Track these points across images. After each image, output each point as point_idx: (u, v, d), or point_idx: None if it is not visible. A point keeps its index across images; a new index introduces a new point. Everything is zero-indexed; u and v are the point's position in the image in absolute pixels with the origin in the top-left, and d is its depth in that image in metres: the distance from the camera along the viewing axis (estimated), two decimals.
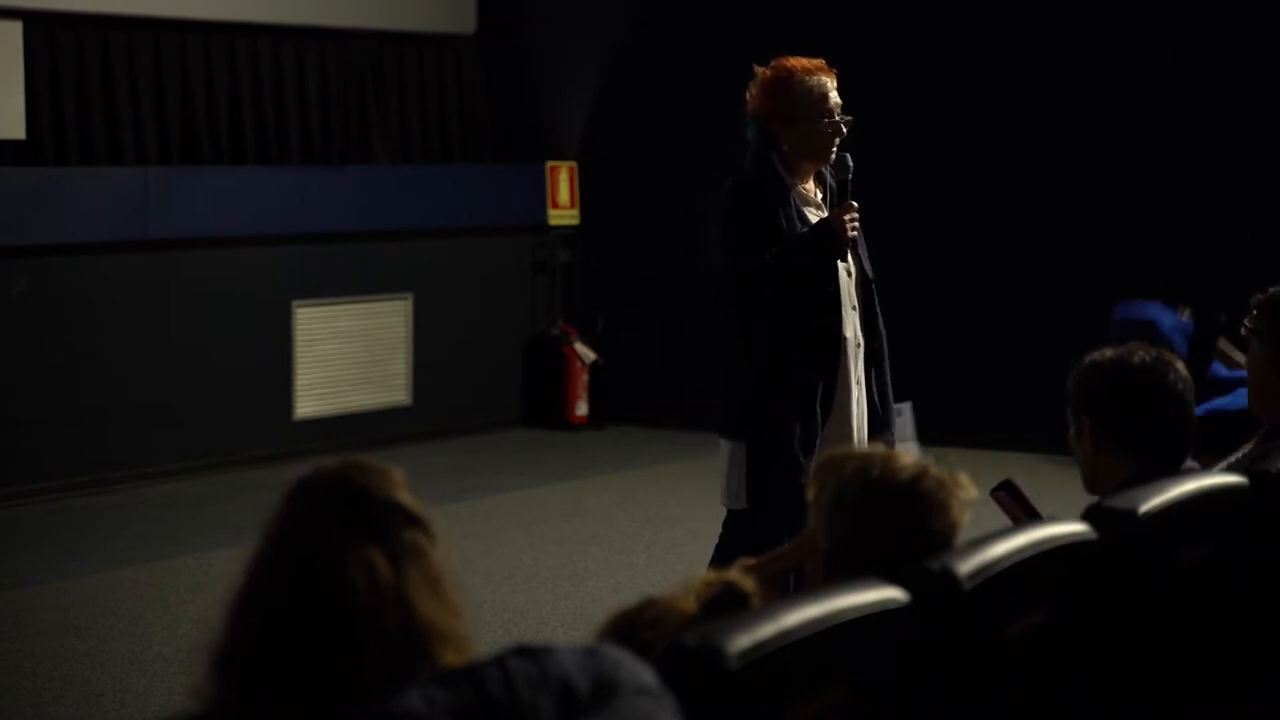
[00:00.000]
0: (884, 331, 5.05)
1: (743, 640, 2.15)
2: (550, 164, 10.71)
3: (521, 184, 10.62)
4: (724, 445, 4.92)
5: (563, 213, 10.75)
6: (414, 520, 2.13)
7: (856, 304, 4.96)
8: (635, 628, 2.26)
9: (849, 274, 4.94)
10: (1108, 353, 3.45)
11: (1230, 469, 3.64)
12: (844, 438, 4.92)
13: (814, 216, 4.92)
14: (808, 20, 9.99)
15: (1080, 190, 9.39)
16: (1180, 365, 3.42)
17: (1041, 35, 9.48)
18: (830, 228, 4.83)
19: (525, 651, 1.83)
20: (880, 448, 2.77)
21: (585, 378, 10.52)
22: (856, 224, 4.86)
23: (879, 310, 5.02)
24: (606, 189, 10.72)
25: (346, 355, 9.81)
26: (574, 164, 10.79)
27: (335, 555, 2.04)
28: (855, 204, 4.88)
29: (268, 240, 9.40)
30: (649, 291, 10.68)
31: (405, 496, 2.15)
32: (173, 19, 9.39)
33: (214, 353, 9.14)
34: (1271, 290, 3.84)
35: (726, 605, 2.34)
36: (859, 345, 4.96)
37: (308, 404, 9.61)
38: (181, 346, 9.02)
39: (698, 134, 10.40)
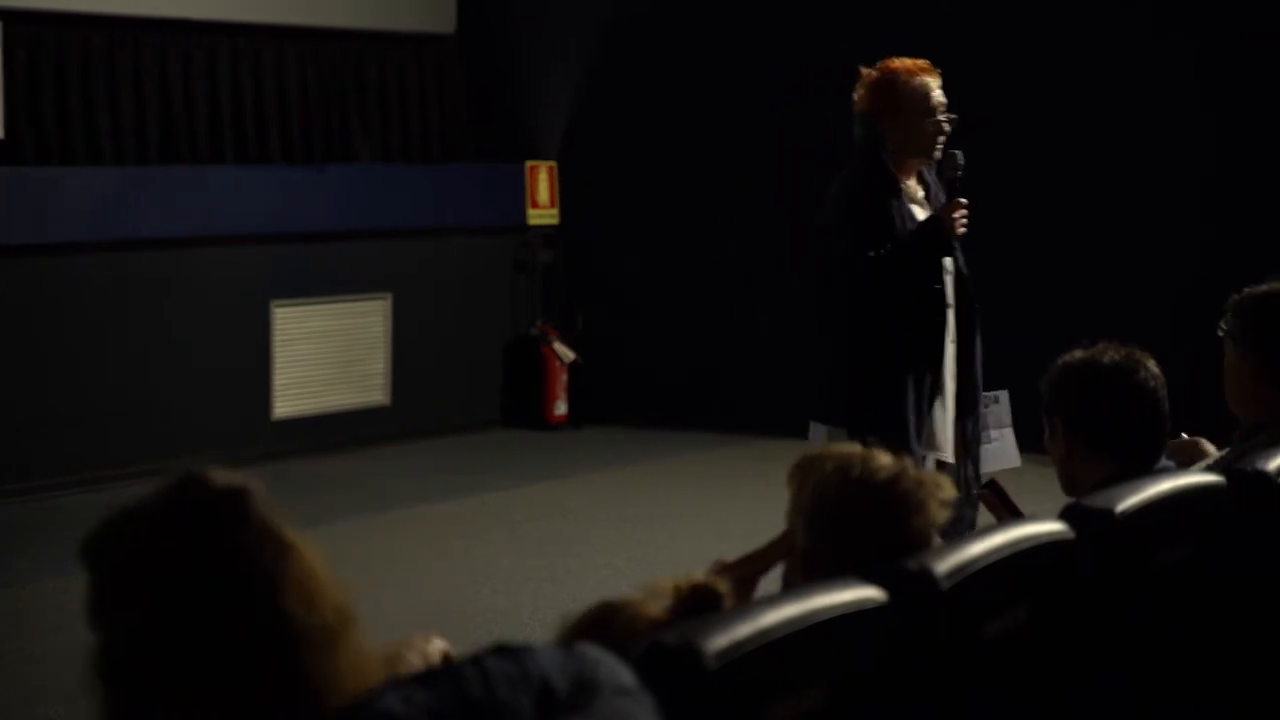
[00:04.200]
0: (979, 326, 5.23)
1: (721, 640, 2.15)
2: (530, 164, 10.71)
3: (501, 184, 10.61)
4: (820, 430, 5.07)
5: (542, 212, 10.75)
6: (268, 533, 1.96)
7: (953, 301, 5.15)
8: (604, 635, 2.23)
9: (948, 271, 5.12)
10: (1078, 353, 3.47)
11: (1208, 469, 3.65)
12: (941, 429, 5.11)
13: (919, 212, 5.10)
14: (790, 23, 9.99)
15: (1074, 194, 9.36)
16: (1152, 363, 3.44)
17: (1048, 45, 9.46)
18: (940, 224, 5.01)
19: (504, 651, 1.83)
20: (857, 447, 2.77)
21: (565, 377, 10.52)
22: (966, 221, 5.04)
23: (976, 306, 5.20)
24: (586, 189, 10.72)
25: (325, 355, 9.80)
26: (554, 164, 10.78)
27: (247, 556, 1.90)
28: (965, 201, 5.05)
29: (246, 240, 9.39)
30: (629, 291, 10.68)
31: (255, 511, 1.96)
32: (152, 18, 9.38)
33: (192, 353, 9.12)
34: (1246, 291, 3.86)
35: (700, 608, 2.33)
36: (953, 341, 5.15)
37: (286, 404, 9.60)
38: (159, 346, 9.00)
39: (677, 134, 10.41)
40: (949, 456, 5.14)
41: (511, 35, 10.90)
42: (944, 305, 5.09)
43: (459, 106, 10.96)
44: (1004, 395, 5.30)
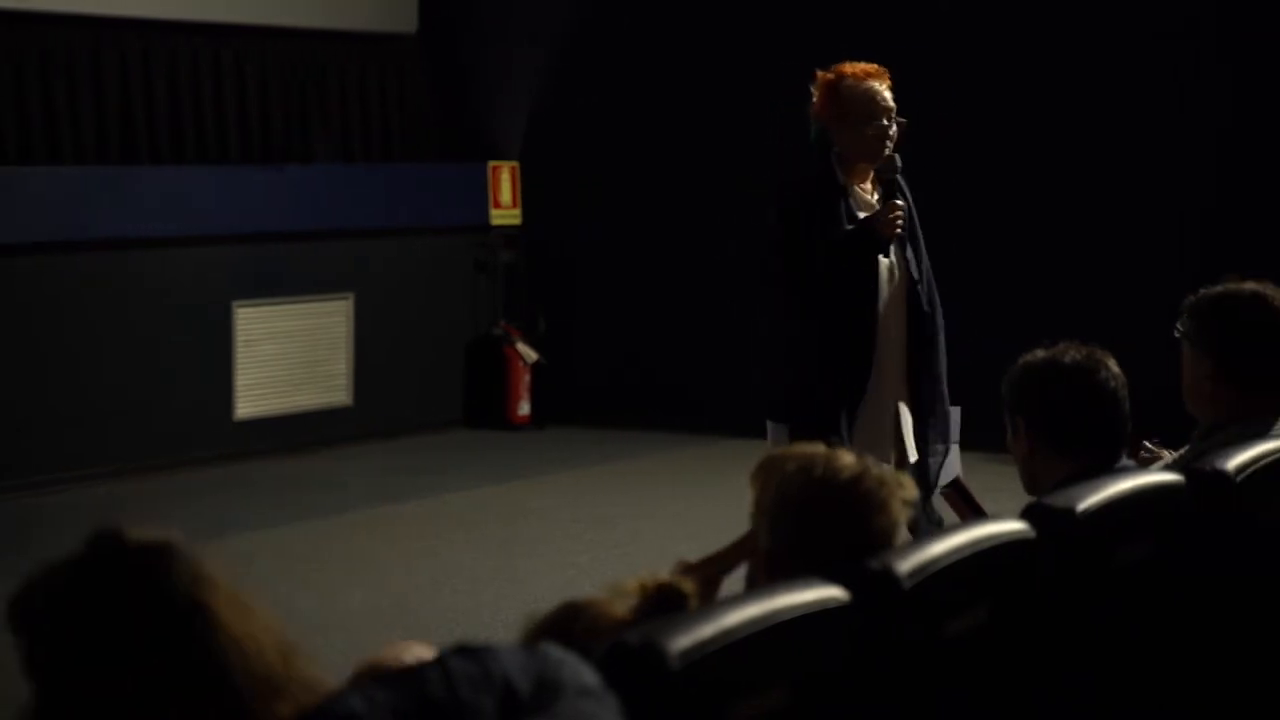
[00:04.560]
0: (940, 332, 5.23)
1: (684, 640, 2.15)
2: (492, 164, 10.70)
3: (463, 184, 10.60)
4: (771, 429, 5.15)
5: (505, 212, 10.74)
6: (183, 595, 1.90)
7: (900, 302, 5.17)
8: (567, 635, 2.23)
9: (892, 272, 5.16)
10: (1040, 353, 3.50)
11: (1168, 468, 3.68)
12: (880, 430, 5.13)
13: (865, 215, 5.15)
14: (751, 23, 10.00)
15: (1053, 195, 9.34)
16: (1112, 363, 3.46)
17: (1035, 39, 9.44)
18: (873, 225, 5.05)
19: (466, 651, 1.82)
20: (820, 447, 2.78)
21: (527, 378, 10.52)
22: (900, 222, 5.07)
23: (934, 310, 5.21)
24: (548, 189, 10.71)
25: (287, 355, 9.77)
26: (516, 164, 10.77)
27: (187, 616, 1.86)
28: (900, 203, 5.10)
29: (207, 240, 9.35)
30: (591, 291, 10.68)
31: (170, 572, 1.90)
32: (112, 17, 9.33)
33: (153, 353, 9.08)
34: (1200, 293, 3.90)
35: (665, 607, 2.34)
36: (900, 342, 5.17)
37: (248, 404, 9.56)
38: (120, 347, 8.95)
39: (640, 134, 10.41)
40: (885, 459, 5.15)
41: (473, 35, 10.88)
42: (875, 306, 5.11)
43: (421, 106, 10.94)
44: (955, 411, 5.32)
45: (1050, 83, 9.32)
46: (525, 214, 10.78)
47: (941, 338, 5.25)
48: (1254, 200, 8.92)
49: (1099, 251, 9.23)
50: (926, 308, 5.20)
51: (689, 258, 10.26)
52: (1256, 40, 8.94)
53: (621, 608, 2.34)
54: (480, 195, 10.62)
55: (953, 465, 5.30)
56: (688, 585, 2.39)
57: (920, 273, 5.21)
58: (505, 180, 10.72)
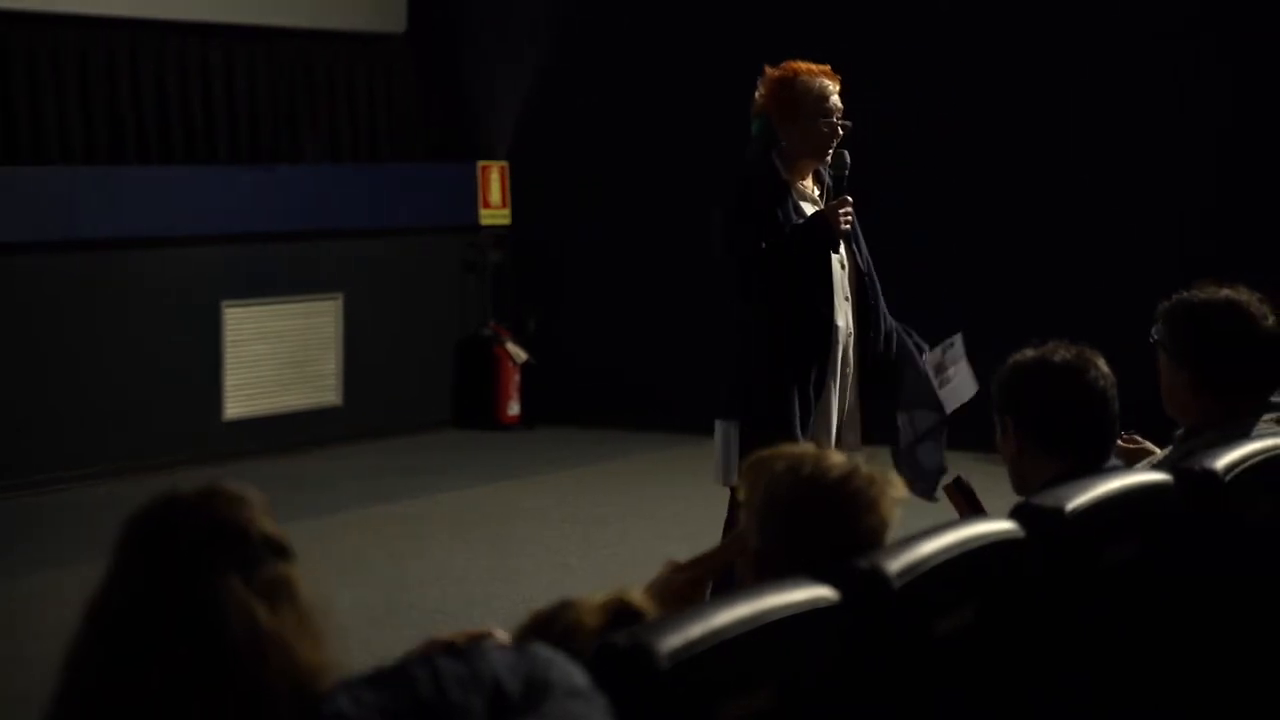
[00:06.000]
0: (888, 322, 5.27)
1: (673, 640, 2.15)
2: (481, 164, 10.69)
3: (452, 184, 10.59)
4: (719, 425, 5.15)
5: (494, 212, 10.73)
6: (281, 550, 1.98)
7: (849, 295, 5.20)
8: (549, 634, 2.22)
9: (842, 266, 5.18)
10: (1029, 353, 3.50)
11: (1155, 468, 3.68)
12: (828, 424, 5.15)
13: (810, 210, 5.16)
14: (742, 23, 10.00)
15: (1047, 197, 9.34)
16: (1101, 363, 3.46)
17: (1035, 38, 9.42)
18: (824, 220, 5.07)
19: (455, 651, 1.82)
20: (810, 447, 2.78)
21: (517, 378, 10.51)
22: (850, 218, 5.11)
23: (879, 302, 5.25)
24: (538, 189, 10.70)
25: (276, 355, 9.75)
26: (505, 164, 10.77)
27: (206, 598, 1.89)
28: (850, 198, 5.13)
29: (196, 240, 9.33)
30: (580, 291, 10.67)
31: (269, 524, 2.00)
32: (99, 17, 9.31)
33: (142, 354, 9.06)
34: (1175, 299, 3.89)
35: (622, 626, 2.33)
36: (850, 334, 5.20)
37: (237, 405, 9.55)
38: (109, 347, 8.94)
39: (629, 134, 10.41)
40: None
41: (462, 34, 10.87)
42: (830, 300, 5.11)
43: (410, 106, 10.93)
44: (958, 338, 5.37)
45: (1050, 82, 9.32)
46: (514, 214, 10.77)
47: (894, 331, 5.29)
48: (1254, 200, 8.93)
49: (1098, 251, 9.23)
50: (872, 301, 5.22)
51: (678, 257, 10.25)
52: (1256, 40, 8.94)
53: (592, 620, 2.34)
54: (469, 195, 10.61)
55: (966, 382, 5.32)
56: (643, 602, 2.36)
57: (866, 267, 5.22)
58: (494, 180, 10.72)
